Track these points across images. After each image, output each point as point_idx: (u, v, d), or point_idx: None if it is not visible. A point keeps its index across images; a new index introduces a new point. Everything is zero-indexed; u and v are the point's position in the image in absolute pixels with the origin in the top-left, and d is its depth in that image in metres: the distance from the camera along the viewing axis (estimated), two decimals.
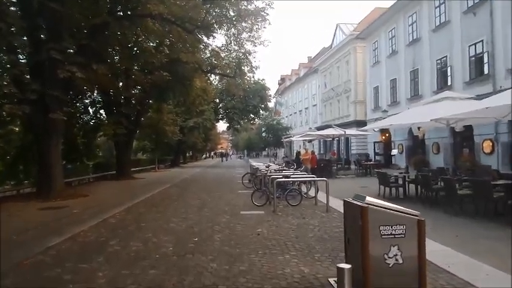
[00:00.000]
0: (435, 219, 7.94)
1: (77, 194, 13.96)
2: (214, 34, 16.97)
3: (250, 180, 16.50)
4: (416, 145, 25.01)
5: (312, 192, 12.20)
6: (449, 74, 21.01)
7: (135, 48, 18.87)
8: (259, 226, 7.76)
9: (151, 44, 18.72)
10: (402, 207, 4.01)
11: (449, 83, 20.88)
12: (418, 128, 23.14)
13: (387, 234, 3.86)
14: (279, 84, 76.10)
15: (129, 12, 14.58)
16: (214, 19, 14.12)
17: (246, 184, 16.22)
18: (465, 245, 6.00)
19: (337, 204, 10.39)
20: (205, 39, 19.28)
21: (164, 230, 7.49)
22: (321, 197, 11.21)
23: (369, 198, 4.07)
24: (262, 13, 14.29)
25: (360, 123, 33.60)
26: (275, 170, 13.57)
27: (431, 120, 9.67)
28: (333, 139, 26.62)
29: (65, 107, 13.25)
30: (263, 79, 42.20)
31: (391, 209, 3.95)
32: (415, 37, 24.51)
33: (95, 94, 23.14)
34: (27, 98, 11.48)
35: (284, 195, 10.80)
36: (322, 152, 43.11)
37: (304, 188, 12.45)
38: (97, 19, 13.03)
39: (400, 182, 11.96)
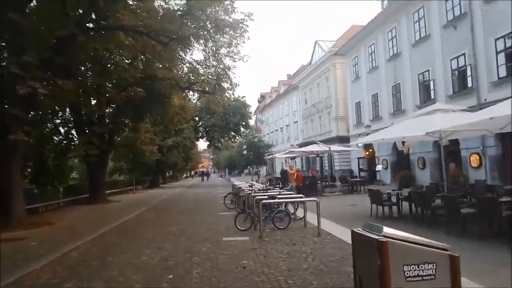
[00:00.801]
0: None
1: (42, 222, 12.61)
2: (191, 48, 16.19)
3: (233, 201, 15.51)
4: (401, 160, 24.57)
5: (299, 213, 11.33)
6: (431, 87, 20.76)
7: (108, 65, 17.83)
8: (244, 256, 6.79)
9: (125, 60, 17.76)
10: (428, 240, 3.18)
11: (432, 97, 20.59)
12: (403, 142, 22.79)
13: (413, 276, 3.01)
14: (259, 101, 75.82)
15: (98, 25, 13.63)
16: (191, 31, 13.32)
17: (228, 205, 15.24)
18: (484, 275, 5.19)
19: (328, 226, 9.57)
20: (181, 54, 18.53)
21: (133, 266, 6.42)
22: (310, 217, 10.36)
23: (386, 230, 3.21)
24: (242, 25, 13.60)
25: (342, 139, 33.21)
26: (259, 190, 12.64)
27: (427, 133, 9.01)
28: (317, 155, 25.91)
29: (27, 126, 11.99)
30: (243, 96, 41.60)
31: (417, 243, 3.11)
32: (395, 52, 24.37)
33: (67, 113, 21.91)
34: None
35: (271, 217, 9.87)
36: (305, 169, 42.44)
37: (291, 208, 11.55)
38: (62, 31, 12.01)
39: (394, 200, 11.20)
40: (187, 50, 16.48)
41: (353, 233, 3.60)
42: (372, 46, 27.37)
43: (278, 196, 10.20)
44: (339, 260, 6.30)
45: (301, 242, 7.96)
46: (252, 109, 49.20)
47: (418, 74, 21.91)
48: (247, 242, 8.21)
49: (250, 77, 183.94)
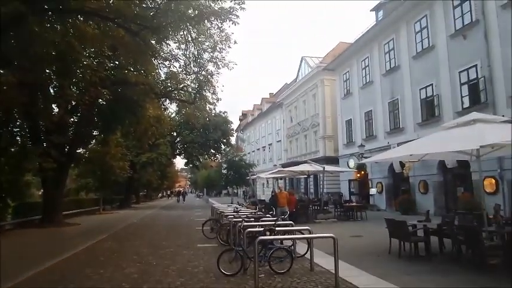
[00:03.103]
0: None
1: None
2: (168, 43, 13.74)
3: (213, 228, 12.81)
4: (398, 183, 22.46)
5: (300, 248, 8.78)
6: (436, 103, 18.84)
7: (70, 63, 15.07)
8: None
9: (91, 56, 15.09)
10: None
11: (436, 114, 18.68)
12: (402, 164, 20.70)
13: None
14: (240, 120, 73.51)
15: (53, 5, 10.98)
16: (169, 18, 10.84)
17: (208, 234, 12.52)
18: None
19: (343, 270, 6.93)
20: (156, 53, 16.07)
21: None
22: (314, 255, 7.80)
23: None
24: (230, 15, 11.23)
25: (330, 160, 30.95)
26: (248, 217, 10.00)
27: (480, 146, 6.72)
28: (308, 176, 23.58)
29: None
30: (225, 112, 38.93)
31: None
32: (392, 65, 22.56)
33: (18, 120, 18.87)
34: None
35: (266, 257, 7.25)
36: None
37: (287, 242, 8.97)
38: (4, 7, 9.37)
39: (420, 234, 8.81)
40: (164, 45, 13.97)
41: None
42: (366, 60, 25.57)
43: (277, 229, 7.63)
44: None
45: None
46: (234, 126, 46.69)
47: (420, 89, 20.02)
48: None
49: (231, 95, 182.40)
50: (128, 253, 9.76)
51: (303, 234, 8.61)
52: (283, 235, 8.16)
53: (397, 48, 22.05)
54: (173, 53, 18.72)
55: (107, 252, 9.92)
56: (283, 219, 9.46)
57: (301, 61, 40.40)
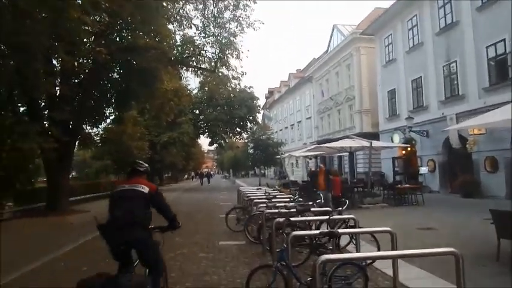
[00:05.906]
0: None
1: None
2: None
3: (240, 219, 10.16)
4: (455, 161, 19.13)
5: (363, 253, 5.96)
6: (509, 62, 15.29)
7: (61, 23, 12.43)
8: None
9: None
10: None
11: (510, 75, 15.17)
12: (462, 138, 17.43)
13: None
14: (267, 97, 70.38)
15: None
16: None
17: (233, 225, 9.94)
18: None
19: None
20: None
21: None
22: (384, 265, 5.00)
23: None
24: None
25: (367, 136, 27.53)
26: (286, 208, 7.19)
27: None
28: (351, 153, 20.59)
29: None
30: (251, 86, 35.85)
31: None
32: (449, 21, 18.89)
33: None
34: None
35: (327, 276, 4.47)
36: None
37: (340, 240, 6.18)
38: None
39: None
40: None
41: None
42: (414, 19, 21.86)
43: (340, 231, 4.81)
44: None
45: None
46: (260, 103, 43.56)
47: (487, 47, 16.42)
48: None
49: (257, 73, 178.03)
50: None
51: (376, 238, 5.82)
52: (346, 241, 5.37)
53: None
54: (190, 15, 16.03)
55: (97, 257, 7.38)
56: (339, 212, 6.61)
57: (332, 30, 36.69)
